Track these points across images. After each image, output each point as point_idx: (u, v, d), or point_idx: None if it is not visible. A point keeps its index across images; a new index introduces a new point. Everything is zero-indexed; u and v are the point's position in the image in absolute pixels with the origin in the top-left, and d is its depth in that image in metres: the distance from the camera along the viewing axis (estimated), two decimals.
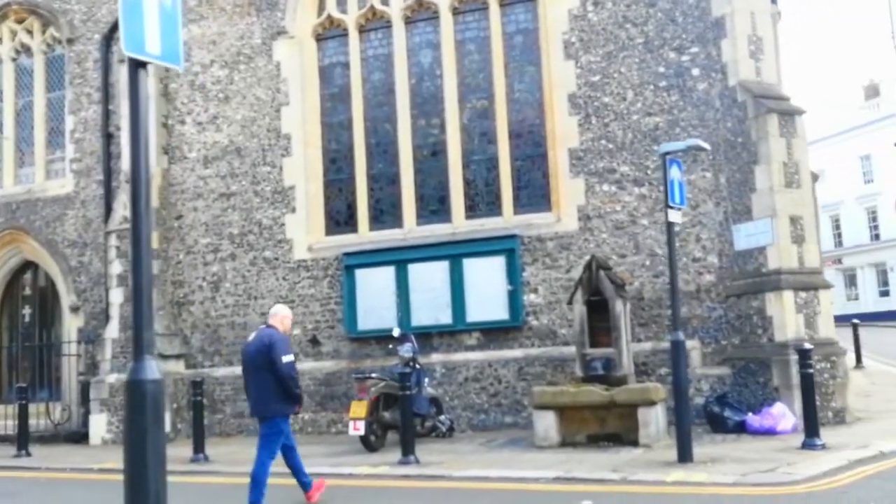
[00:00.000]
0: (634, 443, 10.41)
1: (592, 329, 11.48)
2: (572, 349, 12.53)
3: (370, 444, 11.43)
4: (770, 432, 10.67)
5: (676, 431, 9.12)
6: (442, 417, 12.68)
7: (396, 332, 12.53)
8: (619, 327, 11.21)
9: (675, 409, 9.25)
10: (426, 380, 12.49)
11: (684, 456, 8.96)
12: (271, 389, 7.69)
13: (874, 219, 44.26)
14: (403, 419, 10.43)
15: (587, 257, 12.15)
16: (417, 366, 12.27)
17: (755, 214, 11.83)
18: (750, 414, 11.14)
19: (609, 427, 10.81)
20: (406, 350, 12.27)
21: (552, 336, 13.01)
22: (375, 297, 13.87)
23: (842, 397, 11.14)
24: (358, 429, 11.18)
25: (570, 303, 11.66)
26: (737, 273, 12.16)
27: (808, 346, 9.75)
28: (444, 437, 12.52)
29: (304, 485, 8.19)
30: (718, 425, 11.20)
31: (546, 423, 10.78)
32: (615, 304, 11.24)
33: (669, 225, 9.36)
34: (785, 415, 10.78)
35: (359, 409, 11.22)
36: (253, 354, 7.82)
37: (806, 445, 9.36)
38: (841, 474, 8.04)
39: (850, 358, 16.38)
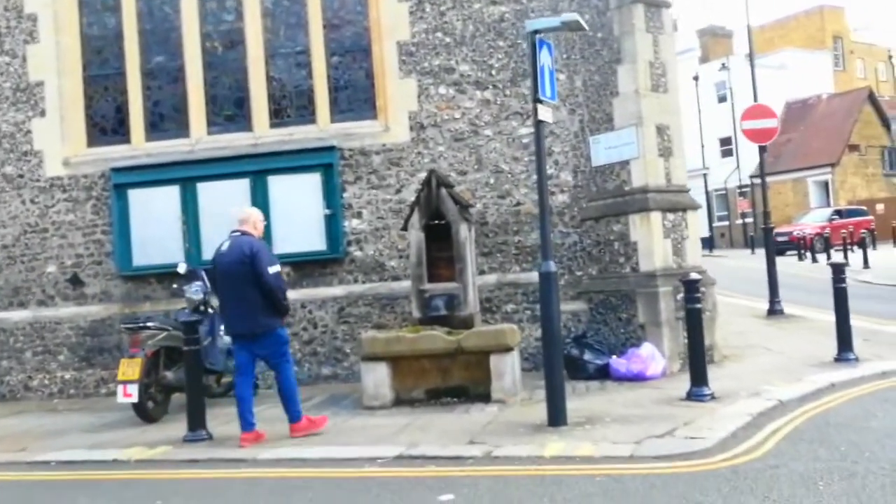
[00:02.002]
0: (485, 397, 8.47)
1: (431, 260, 9.34)
2: (404, 285, 10.38)
3: (147, 412, 8.78)
4: (639, 378, 9.07)
5: (547, 386, 7.21)
6: None
7: (182, 269, 9.81)
8: (465, 257, 9.14)
9: (544, 359, 7.32)
10: (221, 327, 9.89)
11: (557, 417, 7.08)
12: (257, 303, 7.18)
13: None
14: (190, 381, 7.86)
15: (423, 173, 9.93)
16: (210, 310, 9.65)
17: (617, 123, 10.05)
18: (614, 357, 9.50)
19: (454, 379, 8.80)
20: (195, 290, 9.61)
21: (380, 269, 10.77)
22: (155, 224, 10.99)
23: (710, 334, 9.68)
24: (129, 395, 8.48)
25: (404, 228, 9.43)
26: (594, 192, 10.40)
27: (695, 275, 8.10)
28: None
29: (249, 424, 7.44)
30: (577, 370, 9.48)
31: (377, 378, 8.59)
32: (460, 230, 9.13)
33: (538, 125, 7.28)
34: (654, 357, 9.22)
35: (130, 368, 8.51)
36: (230, 266, 7.21)
37: (693, 396, 7.78)
38: (753, 437, 6.44)
39: None
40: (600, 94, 10.25)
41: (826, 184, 40.90)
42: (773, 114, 14.16)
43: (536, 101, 7.21)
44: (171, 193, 11.01)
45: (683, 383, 8.56)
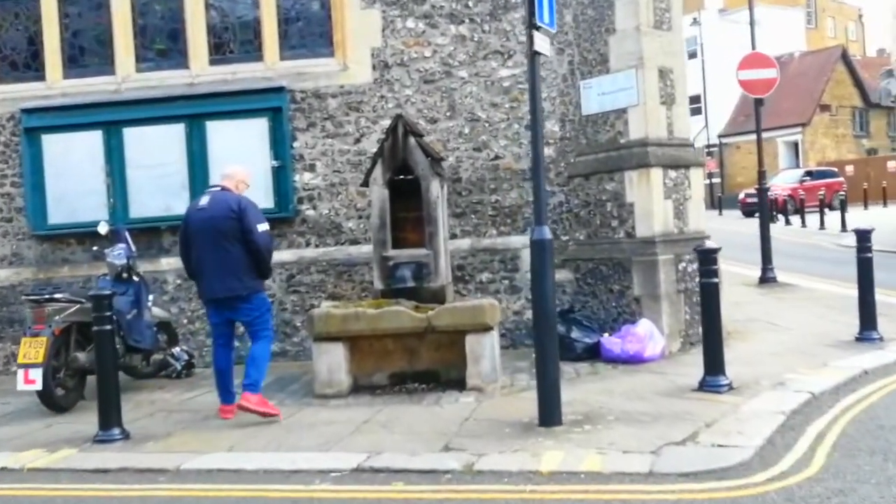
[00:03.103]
0: (460, 384, 7.19)
1: (396, 222, 7.97)
2: (364, 250, 9.02)
3: (55, 401, 7.34)
4: (635, 360, 7.85)
5: (539, 379, 5.92)
6: (176, 350, 8.79)
7: (104, 229, 8.30)
8: (436, 219, 7.77)
9: (536, 346, 6.00)
10: (150, 297, 8.45)
11: (551, 416, 5.81)
12: (242, 263, 6.55)
13: None
14: (101, 369, 6.41)
15: (388, 121, 8.50)
16: (136, 277, 8.20)
17: (613, 65, 8.68)
18: (605, 335, 8.26)
19: (422, 362, 7.50)
20: (117, 255, 8.14)
21: (336, 231, 9.36)
22: (74, 175, 9.44)
23: None
24: (32, 380, 7.04)
25: (364, 184, 8.02)
26: (584, 146, 9.07)
27: (710, 244, 6.83)
28: (180, 377, 8.70)
29: (229, 395, 6.85)
30: (563, 350, 8.06)
31: (332, 362, 7.23)
32: (431, 186, 7.75)
33: (534, 59, 5.87)
34: (653, 336, 7.99)
35: (33, 349, 7.05)
36: (211, 222, 6.53)
37: (708, 386, 6.57)
38: (796, 444, 5.24)
39: None
40: (594, 32, 8.86)
41: (796, 144, 40.09)
42: (772, 63, 12.91)
43: (532, 27, 5.80)
44: (93, 140, 9.43)
45: (689, 368, 7.41)
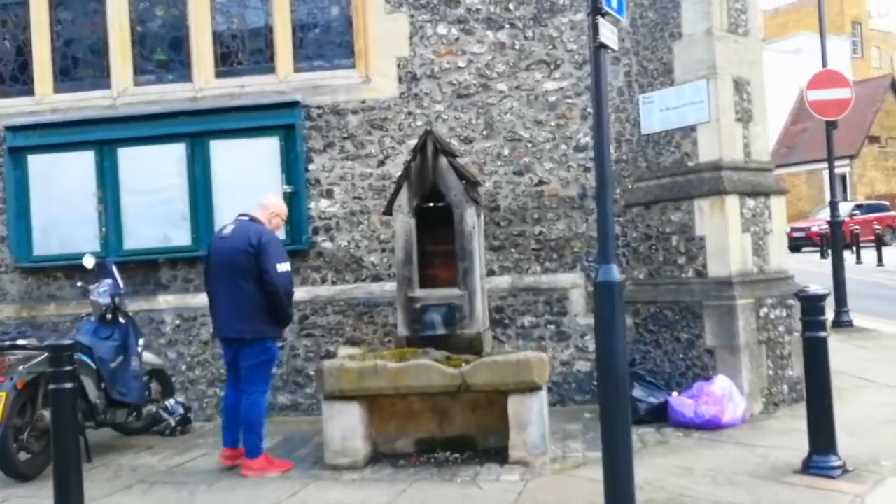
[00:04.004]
0: (500, 454, 5.92)
1: (425, 257, 6.75)
2: (387, 288, 7.82)
3: (16, 468, 6.11)
4: (711, 425, 6.51)
5: (606, 457, 4.59)
6: (170, 402, 7.59)
7: (89, 262, 7.16)
8: (472, 253, 6.53)
9: (604, 422, 4.66)
10: (141, 341, 7.26)
11: None
12: (254, 304, 5.83)
13: None
14: (57, 435, 5.16)
15: (415, 140, 7.32)
16: (122, 318, 7.03)
17: (679, 76, 7.44)
18: (674, 393, 6.93)
19: (455, 426, 6.21)
20: (103, 291, 6.99)
21: (356, 266, 8.15)
22: (63, 200, 8.37)
23: (800, 361, 7.13)
24: None
25: (387, 212, 6.81)
26: (644, 169, 7.81)
27: (817, 289, 5.48)
28: (174, 434, 7.50)
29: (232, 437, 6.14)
30: None
31: (346, 426, 5.97)
32: (465, 215, 6.53)
33: (598, 51, 4.63)
34: (731, 396, 6.65)
35: None
36: (230, 255, 5.88)
37: (815, 468, 5.20)
38: None
39: None
40: (655, 37, 7.63)
41: (844, 177, 38.39)
42: (846, 81, 11.59)
43: (596, 12, 4.57)
44: (85, 161, 8.36)
45: (779, 437, 6.10)
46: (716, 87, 7.19)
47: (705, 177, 7.22)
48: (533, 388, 5.81)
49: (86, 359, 6.55)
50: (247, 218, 6.20)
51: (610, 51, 4.78)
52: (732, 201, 7.13)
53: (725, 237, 7.10)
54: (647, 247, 7.69)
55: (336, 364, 5.99)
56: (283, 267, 5.90)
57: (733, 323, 6.92)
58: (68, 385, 5.05)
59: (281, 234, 7.94)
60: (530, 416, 5.80)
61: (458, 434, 6.19)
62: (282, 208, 6.36)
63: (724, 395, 6.61)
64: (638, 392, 6.91)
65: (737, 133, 7.31)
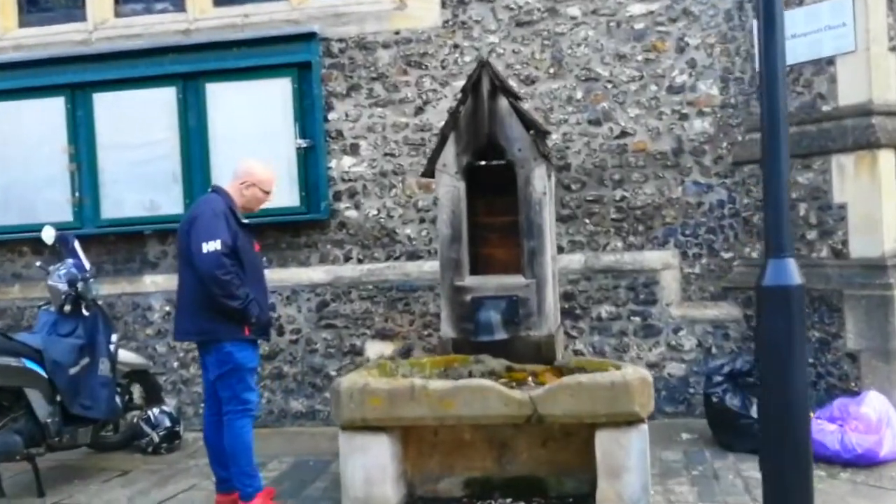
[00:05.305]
0: (581, 502, 4.29)
1: (478, 232, 5.09)
2: (427, 268, 6.20)
3: None
4: (864, 460, 4.82)
5: None
6: (154, 412, 6.08)
7: (49, 236, 5.59)
8: (541, 228, 4.86)
9: (768, 470, 3.01)
10: (113, 337, 5.68)
11: None
12: (197, 298, 4.43)
13: None
14: None
15: (463, 81, 5.61)
16: (86, 310, 5.46)
17: None
18: (811, 415, 5.21)
19: (518, 462, 4.58)
20: (62, 274, 5.43)
21: (387, 241, 6.51)
22: (28, 158, 6.86)
23: None
24: None
25: (428, 173, 5.12)
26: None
27: None
28: (159, 451, 5.99)
29: (220, 482, 4.66)
30: (737, 435, 5.27)
31: (371, 466, 4.36)
32: (533, 176, 4.83)
33: None
34: (890, 421, 4.93)
35: None
36: (180, 239, 4.59)
37: None
38: None
39: None
40: None
41: None
42: None
43: None
44: (54, 109, 6.81)
45: None
46: (864, 3, 5.37)
47: (847, 125, 5.43)
48: (632, 421, 4.14)
49: (31, 365, 5.01)
50: (211, 190, 4.74)
51: None
52: (888, 158, 5.35)
53: (876, 205, 5.33)
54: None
55: (357, 383, 4.36)
56: (209, 246, 4.34)
57: (887, 320, 5.18)
58: None
59: (294, 200, 6.39)
60: (627, 459, 4.15)
61: (523, 474, 4.56)
62: (261, 176, 4.63)
63: (881, 419, 4.90)
64: (757, 411, 5.22)
65: (892, 67, 5.48)
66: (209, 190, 4.77)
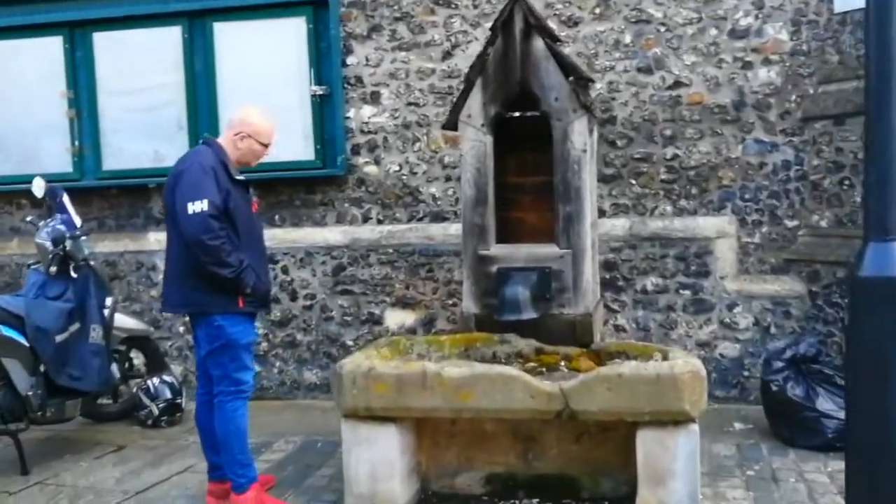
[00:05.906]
0: None
1: (507, 193, 4.47)
2: (453, 230, 5.60)
3: None
4: None
5: None
6: (154, 381, 5.62)
7: (39, 188, 5.10)
8: (580, 191, 4.22)
9: (853, 457, 2.41)
10: (109, 300, 5.21)
11: None
12: (188, 265, 3.85)
13: None
14: None
15: (491, 22, 4.92)
16: (75, 272, 4.97)
17: None
18: None
19: (547, 459, 4.00)
20: (50, 231, 4.96)
21: (410, 200, 5.91)
22: (24, 104, 6.38)
23: None
24: None
25: (450, 125, 4.48)
26: (836, 65, 5.25)
27: None
28: (158, 424, 5.55)
29: (212, 469, 4.17)
30: (799, 429, 4.63)
31: (377, 460, 3.82)
32: (572, 131, 4.18)
33: None
34: None
35: None
36: (166, 197, 4.04)
37: None
38: None
39: None
40: None
41: None
42: None
43: None
44: (51, 50, 6.27)
45: None
46: None
47: None
48: (680, 421, 3.53)
49: (8, 332, 4.55)
50: (201, 142, 4.15)
51: None
52: None
53: None
54: (837, 181, 5.20)
55: (361, 366, 3.79)
56: (195, 206, 3.74)
57: None
58: None
59: (308, 153, 5.81)
60: (674, 463, 3.55)
61: (553, 472, 3.99)
62: (259, 126, 4.00)
63: None
64: (824, 402, 4.58)
65: None
66: (199, 141, 4.20)
